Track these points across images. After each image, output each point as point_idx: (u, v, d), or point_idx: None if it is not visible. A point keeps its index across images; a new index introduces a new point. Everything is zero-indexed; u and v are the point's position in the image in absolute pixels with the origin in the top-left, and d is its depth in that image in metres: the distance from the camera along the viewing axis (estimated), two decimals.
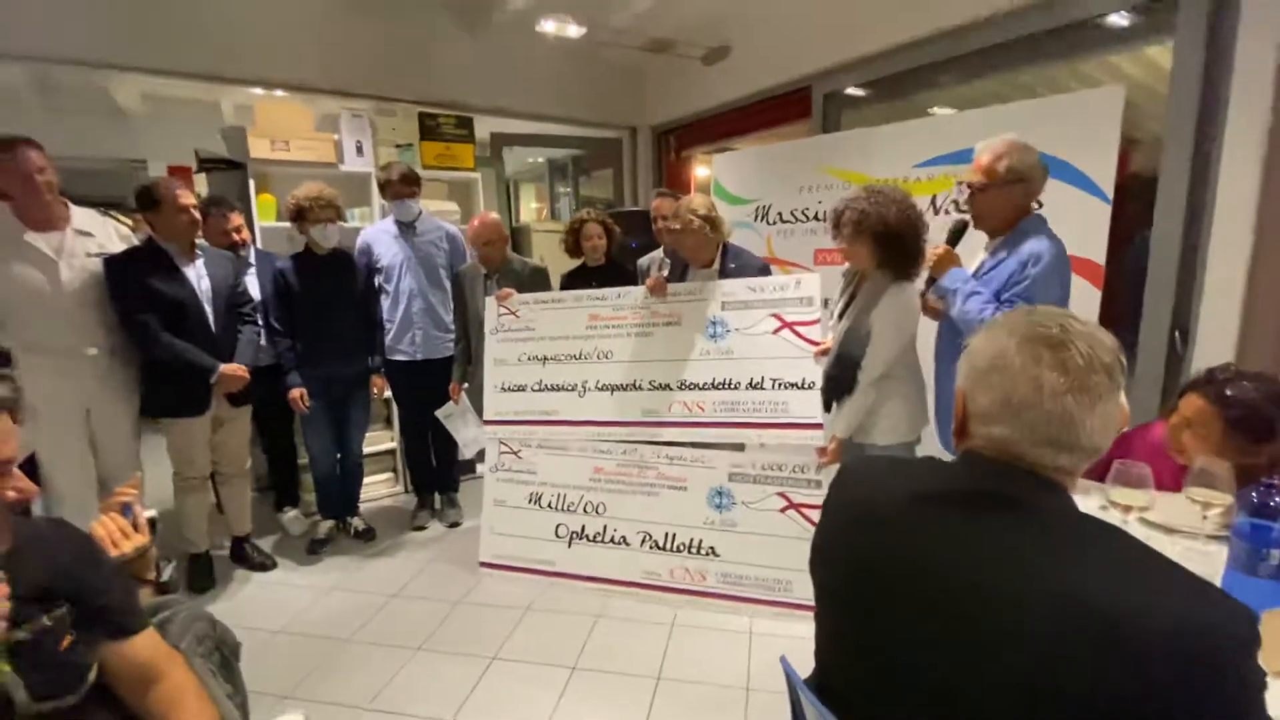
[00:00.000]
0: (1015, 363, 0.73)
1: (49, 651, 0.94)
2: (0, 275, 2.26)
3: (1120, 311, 2.41)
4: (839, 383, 2.20)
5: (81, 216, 2.46)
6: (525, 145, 4.96)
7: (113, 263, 2.37)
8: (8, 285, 2.27)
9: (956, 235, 1.94)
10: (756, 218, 3.41)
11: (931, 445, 2.21)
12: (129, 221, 2.76)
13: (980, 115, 2.56)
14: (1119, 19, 2.36)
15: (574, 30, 3.34)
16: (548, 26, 3.30)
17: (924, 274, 2.10)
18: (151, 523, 1.24)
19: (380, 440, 3.63)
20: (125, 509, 1.21)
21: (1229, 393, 1.36)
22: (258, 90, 3.51)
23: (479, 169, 4.01)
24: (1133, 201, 2.36)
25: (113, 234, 2.54)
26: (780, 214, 3.31)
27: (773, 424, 2.37)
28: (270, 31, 3.30)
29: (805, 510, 2.38)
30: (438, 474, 3.39)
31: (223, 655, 1.26)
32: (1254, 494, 1.04)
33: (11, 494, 0.93)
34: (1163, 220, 2.24)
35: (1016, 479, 0.74)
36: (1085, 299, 2.24)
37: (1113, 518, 1.26)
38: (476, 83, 3.93)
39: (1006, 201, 1.83)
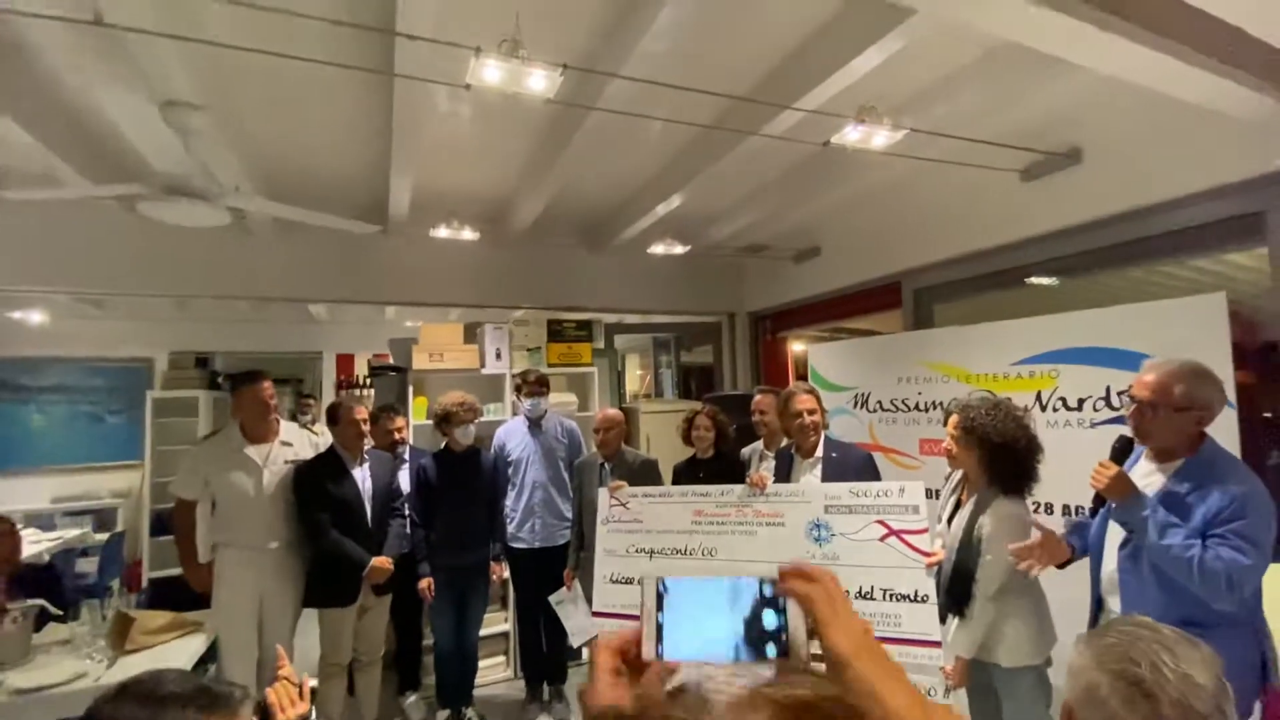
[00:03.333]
0: (1110, 704, 0.76)
1: None
2: (221, 481, 2.79)
3: None
4: (955, 596, 2.15)
5: (286, 429, 3.02)
6: (635, 333, 5.48)
7: (301, 469, 2.86)
8: (225, 490, 2.79)
9: (1123, 454, 1.81)
10: (856, 404, 3.51)
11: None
12: (317, 431, 3.33)
13: (1078, 317, 2.62)
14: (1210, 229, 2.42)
15: (679, 250, 3.85)
16: (657, 250, 3.83)
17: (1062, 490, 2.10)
18: (313, 692, 1.40)
19: (494, 622, 3.77)
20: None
21: None
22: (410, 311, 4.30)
23: (595, 359, 4.49)
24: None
25: (306, 443, 3.08)
26: (880, 402, 3.40)
27: (887, 639, 2.28)
28: (436, 268, 4.11)
29: None
30: (548, 660, 3.44)
31: None
32: None
33: None
34: None
35: None
36: None
37: None
38: (596, 291, 4.55)
39: (1176, 428, 1.73)
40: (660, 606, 0.56)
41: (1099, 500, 1.82)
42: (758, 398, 3.24)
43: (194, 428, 5.55)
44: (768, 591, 0.56)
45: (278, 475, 2.86)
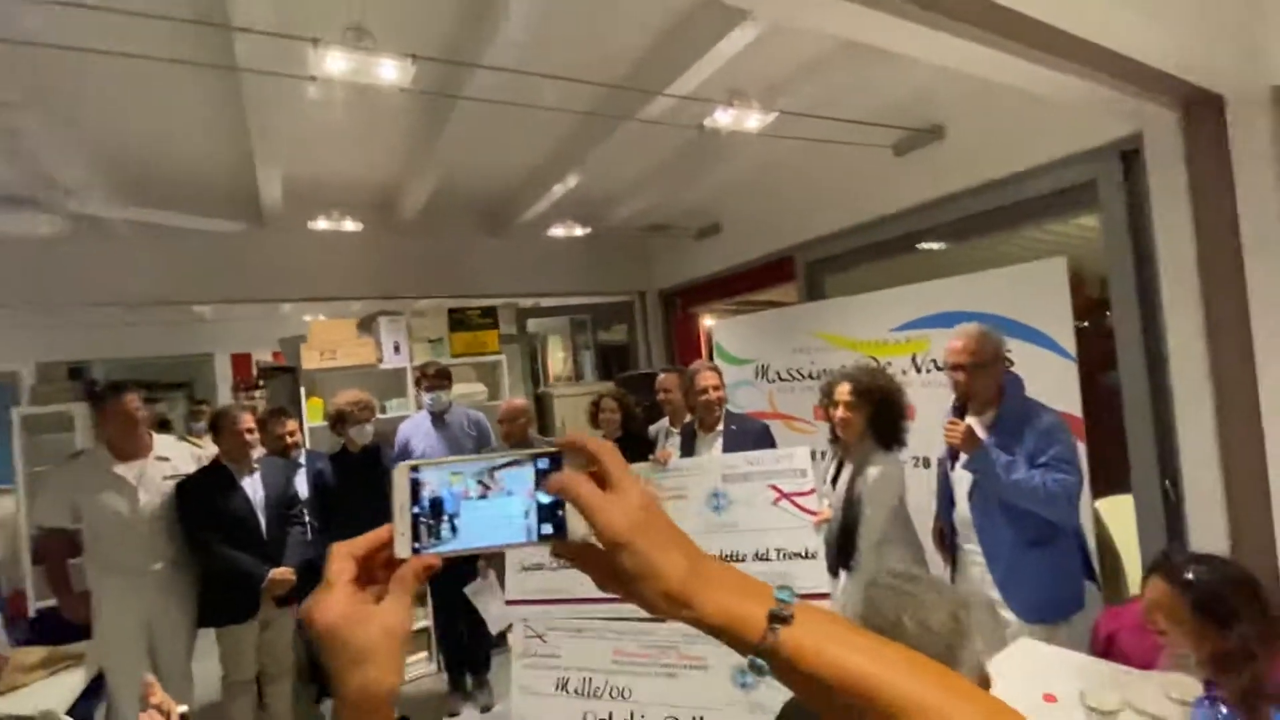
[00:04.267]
0: None
1: None
2: (91, 504, 2.59)
3: (1110, 459, 2.49)
4: (842, 550, 2.31)
5: (161, 443, 2.83)
6: (546, 316, 5.43)
7: (183, 485, 2.69)
8: (96, 513, 2.59)
9: (961, 411, 2.06)
10: (757, 376, 3.65)
11: None
12: (200, 443, 3.14)
13: (944, 285, 2.82)
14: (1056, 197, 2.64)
15: (579, 232, 3.84)
16: (557, 232, 3.79)
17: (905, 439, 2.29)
18: (183, 717, 1.32)
19: (415, 619, 3.73)
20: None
21: (1188, 577, 1.43)
22: (287, 306, 4.07)
23: (504, 346, 4.43)
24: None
25: (187, 456, 2.89)
26: (779, 373, 3.55)
27: None
28: (317, 260, 3.90)
29: None
30: (470, 651, 3.45)
31: None
32: (1198, 708, 1.11)
33: None
34: (1129, 379, 2.38)
35: None
36: None
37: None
38: (500, 276, 4.46)
39: (994, 379, 2.06)
40: (415, 499, 0.50)
41: (954, 453, 2.05)
42: (661, 377, 3.30)
43: (70, 443, 5.06)
44: (543, 466, 0.48)
45: (155, 493, 2.68)
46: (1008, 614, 2.04)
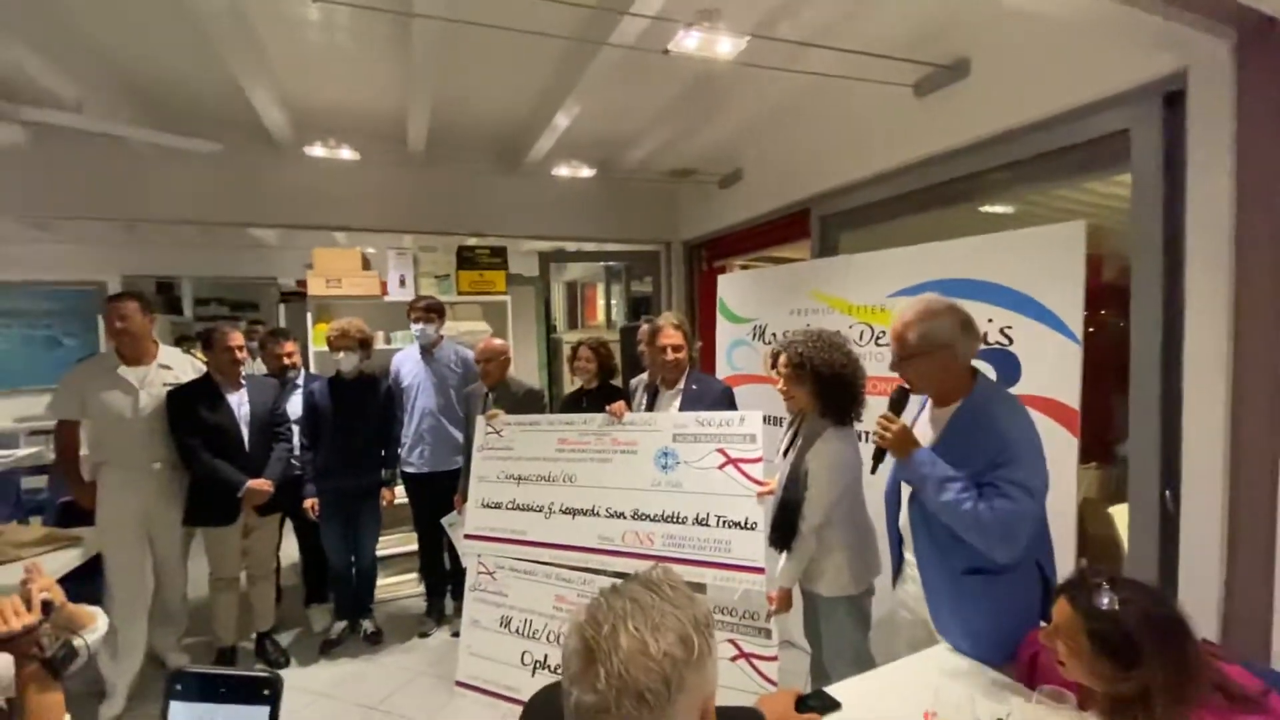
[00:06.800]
0: (571, 664, 0.74)
1: None
2: (96, 402, 2.82)
3: (1101, 457, 2.17)
4: (781, 530, 2.15)
5: (166, 353, 3.03)
6: (569, 261, 5.36)
7: (173, 394, 2.88)
8: (100, 410, 2.83)
9: (899, 404, 1.71)
10: (754, 336, 3.44)
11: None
12: (204, 357, 3.34)
13: (947, 247, 2.50)
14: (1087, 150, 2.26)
15: (586, 173, 3.70)
16: (562, 172, 3.67)
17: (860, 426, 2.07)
18: (46, 605, 1.29)
19: (409, 541, 3.90)
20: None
21: (1094, 602, 1.20)
22: (340, 236, 4.19)
23: (518, 289, 4.42)
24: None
25: (189, 368, 3.08)
26: (775, 335, 3.33)
27: (716, 563, 2.33)
28: (338, 189, 3.97)
29: (756, 661, 2.27)
30: (452, 577, 3.58)
31: None
32: None
33: None
34: (1138, 377, 2.04)
35: None
36: (1061, 447, 2.05)
37: None
38: (515, 216, 4.40)
39: (934, 370, 1.63)
40: None
41: (880, 454, 1.72)
42: (641, 329, 3.18)
43: None
44: None
45: (156, 398, 2.88)
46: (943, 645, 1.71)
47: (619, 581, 0.82)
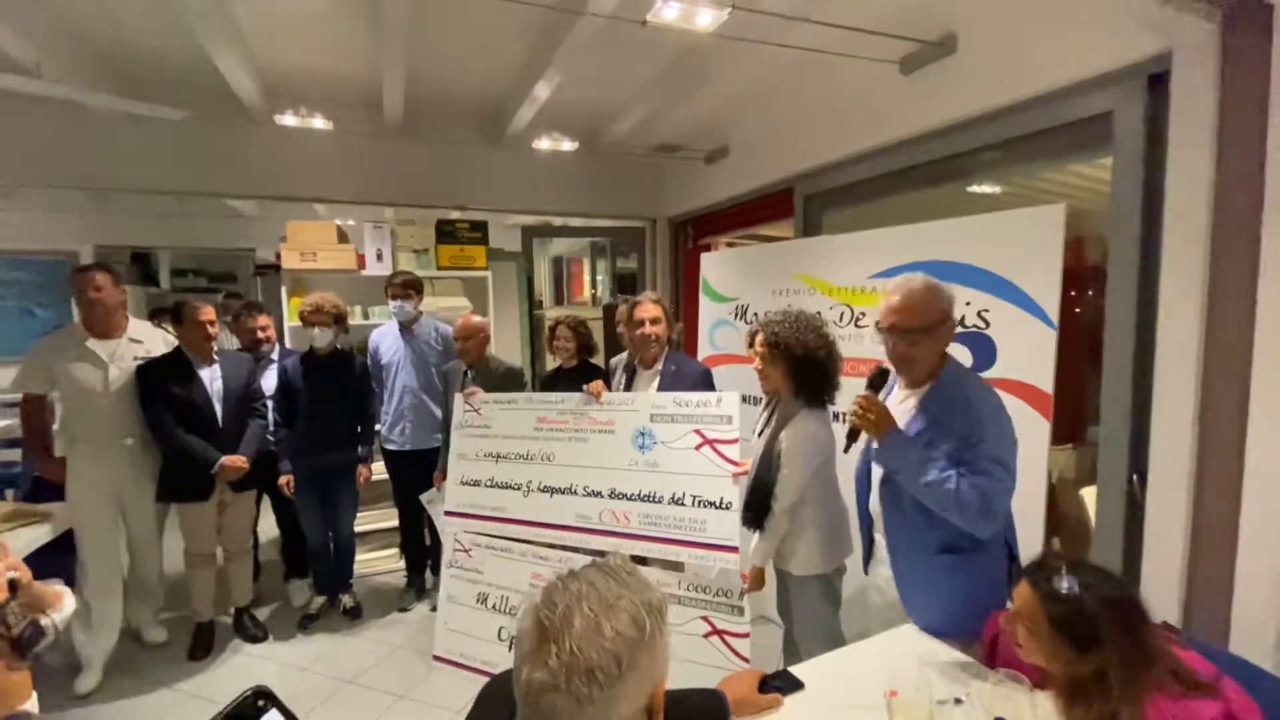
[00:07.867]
0: (524, 644, 0.73)
1: None
2: (64, 375, 2.76)
3: (1079, 439, 2.19)
4: (754, 510, 2.16)
5: (136, 326, 2.97)
6: (553, 236, 5.29)
7: (143, 369, 2.82)
8: (69, 384, 2.76)
9: (878, 384, 1.71)
10: (736, 316, 3.42)
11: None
12: (175, 331, 3.28)
13: (927, 229, 2.48)
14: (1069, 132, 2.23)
15: (568, 146, 3.62)
16: (544, 145, 3.60)
17: (838, 410, 2.06)
18: (12, 584, 1.29)
19: (390, 517, 3.90)
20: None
21: (1054, 585, 1.22)
22: (320, 208, 4.08)
23: (499, 264, 4.35)
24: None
25: (160, 342, 3.02)
26: (757, 315, 3.31)
27: (690, 542, 2.34)
28: (314, 160, 3.87)
29: (728, 637, 2.30)
30: (431, 552, 3.59)
31: None
32: None
33: None
34: (1112, 361, 2.04)
35: None
36: (1033, 430, 2.06)
37: None
38: (498, 189, 4.31)
39: (940, 345, 1.65)
40: None
41: (854, 434, 1.71)
42: (621, 307, 3.15)
43: None
44: None
45: (126, 371, 2.83)
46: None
47: (577, 568, 0.82)
